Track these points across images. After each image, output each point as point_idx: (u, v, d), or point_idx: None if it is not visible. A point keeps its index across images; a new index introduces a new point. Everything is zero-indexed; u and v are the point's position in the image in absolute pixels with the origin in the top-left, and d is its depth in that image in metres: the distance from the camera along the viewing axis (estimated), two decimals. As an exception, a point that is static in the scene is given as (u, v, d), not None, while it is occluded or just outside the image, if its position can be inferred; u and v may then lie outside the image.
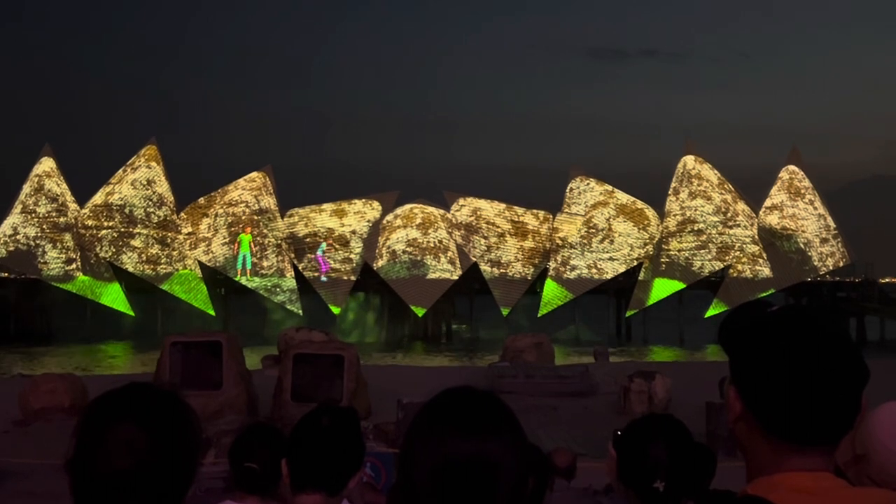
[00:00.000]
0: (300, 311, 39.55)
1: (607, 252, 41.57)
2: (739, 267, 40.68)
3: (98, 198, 41.13)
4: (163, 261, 40.49)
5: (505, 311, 40.65)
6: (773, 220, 41.68)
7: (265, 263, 40.81)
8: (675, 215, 41.65)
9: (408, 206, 42.51)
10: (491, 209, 42.93)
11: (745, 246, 40.84)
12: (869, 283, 46.01)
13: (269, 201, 42.16)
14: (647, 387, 18.30)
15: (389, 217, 42.09)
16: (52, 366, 29.77)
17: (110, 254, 40.21)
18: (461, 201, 43.18)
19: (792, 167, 42.77)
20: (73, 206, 41.01)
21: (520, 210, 43.10)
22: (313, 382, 16.86)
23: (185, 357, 17.54)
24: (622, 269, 41.61)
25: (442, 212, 42.42)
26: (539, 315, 40.40)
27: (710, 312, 39.96)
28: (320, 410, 2.91)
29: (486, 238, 42.20)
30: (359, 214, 42.43)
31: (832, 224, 42.20)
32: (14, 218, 40.52)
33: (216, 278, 40.89)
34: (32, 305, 41.40)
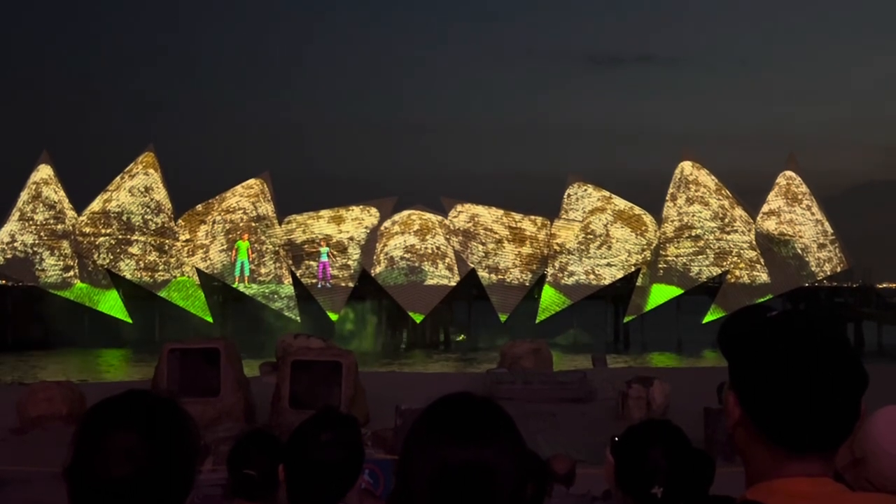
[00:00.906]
0: (298, 318, 39.47)
1: (605, 258, 41.55)
2: (737, 272, 40.66)
3: (96, 205, 41.07)
4: (160, 268, 40.42)
5: (503, 317, 40.62)
6: (770, 225, 41.66)
7: (263, 270, 40.75)
8: (672, 221, 41.65)
9: (405, 213, 42.43)
10: (489, 215, 42.89)
11: (742, 251, 40.82)
12: (867, 289, 46.06)
13: (267, 208, 42.08)
14: (645, 392, 18.29)
15: (387, 223, 42.02)
16: (50, 373, 29.73)
17: (108, 261, 40.14)
18: (459, 207, 43.13)
19: (789, 173, 42.77)
20: (70, 213, 40.93)
21: (517, 216, 43.05)
22: (311, 389, 16.82)
23: (183, 364, 17.53)
24: (620, 274, 41.59)
25: (440, 218, 42.36)
26: (537, 321, 40.36)
27: (708, 318, 39.92)
28: (320, 421, 2.88)
29: (483, 244, 42.16)
30: (356, 221, 42.37)
31: (829, 229, 42.17)
32: (11, 225, 40.46)
33: (212, 285, 40.83)
34: (30, 313, 41.28)
